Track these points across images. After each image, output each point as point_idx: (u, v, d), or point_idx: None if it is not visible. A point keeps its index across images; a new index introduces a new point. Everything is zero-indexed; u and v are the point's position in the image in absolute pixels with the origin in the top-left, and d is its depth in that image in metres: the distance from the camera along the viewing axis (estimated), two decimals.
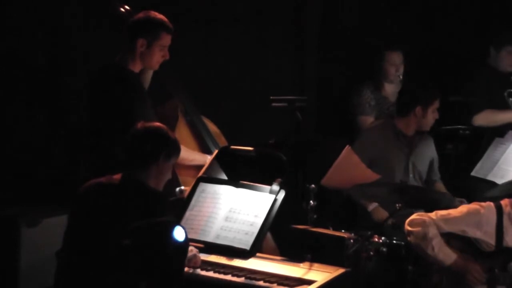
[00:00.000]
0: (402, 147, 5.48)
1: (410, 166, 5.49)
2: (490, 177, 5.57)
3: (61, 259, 3.84)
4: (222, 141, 5.15)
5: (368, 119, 6.18)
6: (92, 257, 3.71)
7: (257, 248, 4.09)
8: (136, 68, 4.71)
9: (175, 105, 5.10)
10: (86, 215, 3.79)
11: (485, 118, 6.01)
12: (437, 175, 5.65)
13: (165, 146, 3.88)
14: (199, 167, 4.77)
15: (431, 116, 5.45)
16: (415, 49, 6.76)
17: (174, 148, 3.93)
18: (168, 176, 3.94)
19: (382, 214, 5.25)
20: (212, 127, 5.19)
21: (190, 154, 4.87)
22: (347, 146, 5.03)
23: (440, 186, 5.64)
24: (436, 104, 5.46)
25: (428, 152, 5.61)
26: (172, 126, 4.81)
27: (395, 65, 6.21)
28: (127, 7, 4.97)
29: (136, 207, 3.72)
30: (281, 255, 4.52)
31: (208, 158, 4.80)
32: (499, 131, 5.84)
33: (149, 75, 4.89)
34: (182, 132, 4.98)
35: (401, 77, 6.21)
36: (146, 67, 4.76)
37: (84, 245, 3.75)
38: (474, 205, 4.60)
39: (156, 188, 3.86)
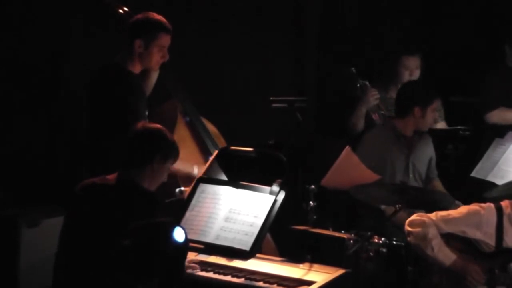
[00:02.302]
0: (402, 148, 5.48)
1: (410, 167, 5.48)
2: (490, 178, 5.56)
3: (57, 259, 3.84)
4: (222, 142, 5.15)
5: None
6: (87, 257, 3.71)
7: (257, 249, 4.09)
8: (136, 69, 4.71)
9: (174, 105, 5.11)
10: (81, 216, 3.80)
11: (499, 116, 6.03)
12: (434, 173, 5.64)
13: (161, 147, 3.87)
14: (198, 165, 4.79)
15: (430, 116, 5.44)
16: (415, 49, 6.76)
17: (171, 150, 3.93)
18: (163, 178, 3.94)
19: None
20: (211, 128, 5.19)
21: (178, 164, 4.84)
22: (347, 147, 5.03)
23: (438, 184, 5.63)
24: (435, 105, 5.45)
25: (427, 151, 5.60)
26: (171, 126, 4.81)
27: (409, 70, 6.11)
28: (125, 8, 4.98)
29: (130, 208, 3.73)
30: (281, 255, 4.53)
31: (196, 168, 4.79)
32: (499, 132, 5.84)
33: (153, 78, 4.89)
34: (181, 133, 4.98)
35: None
36: (145, 68, 4.75)
37: (79, 246, 3.75)
38: (474, 206, 4.60)
39: (148, 189, 3.86)
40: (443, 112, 6.20)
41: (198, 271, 4.03)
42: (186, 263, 3.98)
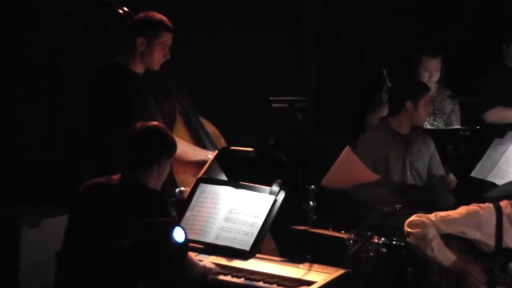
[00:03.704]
0: (398, 147, 5.47)
1: (407, 165, 5.47)
2: (490, 178, 5.57)
3: (61, 259, 3.84)
4: (221, 143, 5.15)
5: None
6: (91, 257, 3.71)
7: (257, 249, 4.09)
8: (138, 68, 4.71)
9: (173, 105, 5.11)
10: (86, 216, 3.80)
11: (497, 115, 6.05)
12: (440, 170, 5.61)
13: (166, 147, 3.88)
14: (197, 166, 4.78)
15: (424, 110, 5.45)
16: (416, 49, 6.76)
17: (173, 148, 3.94)
18: (166, 174, 3.95)
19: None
20: (211, 128, 5.19)
21: (193, 150, 4.88)
22: (346, 147, 5.03)
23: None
24: (427, 97, 5.45)
25: (426, 150, 5.58)
26: (170, 126, 4.81)
27: (429, 72, 6.11)
28: (125, 8, 4.98)
29: (136, 208, 3.72)
30: (281, 255, 4.53)
31: (210, 154, 4.81)
32: (499, 132, 5.85)
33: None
34: (180, 133, 4.97)
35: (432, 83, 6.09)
36: (147, 67, 4.76)
37: (83, 245, 3.75)
38: (473, 206, 4.60)
39: (155, 189, 3.86)
40: (460, 116, 6.22)
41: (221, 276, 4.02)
42: (207, 265, 3.98)
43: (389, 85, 5.94)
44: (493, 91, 6.11)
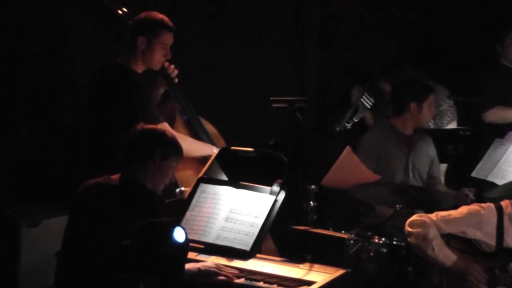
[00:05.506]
0: (402, 147, 5.49)
1: (410, 165, 5.49)
2: (490, 178, 5.58)
3: (61, 259, 3.84)
4: (221, 143, 5.15)
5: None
6: (91, 257, 3.71)
7: (257, 249, 4.09)
8: (138, 68, 4.71)
9: (172, 105, 5.10)
10: (85, 215, 3.80)
11: (496, 115, 6.05)
12: (437, 177, 5.64)
13: (160, 143, 3.87)
14: (198, 165, 4.78)
15: (427, 111, 5.47)
16: (416, 49, 6.76)
17: (171, 147, 3.92)
18: (168, 178, 3.94)
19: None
20: (211, 128, 5.18)
21: (198, 145, 4.87)
22: (347, 147, 5.03)
23: (442, 186, 5.63)
24: (431, 99, 5.48)
25: (428, 151, 5.60)
26: (170, 126, 4.81)
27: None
28: (124, 9, 4.98)
29: (133, 208, 3.73)
30: (281, 256, 4.52)
31: (215, 149, 4.81)
32: (499, 132, 5.85)
33: (159, 92, 4.92)
34: (180, 133, 4.97)
35: None
36: (147, 67, 4.76)
37: (83, 245, 3.75)
38: (474, 206, 4.61)
39: (153, 189, 3.86)
40: (455, 112, 6.23)
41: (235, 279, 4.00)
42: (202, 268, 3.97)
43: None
44: (491, 91, 6.11)
